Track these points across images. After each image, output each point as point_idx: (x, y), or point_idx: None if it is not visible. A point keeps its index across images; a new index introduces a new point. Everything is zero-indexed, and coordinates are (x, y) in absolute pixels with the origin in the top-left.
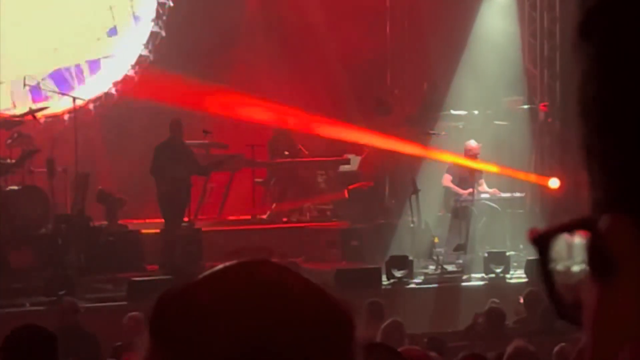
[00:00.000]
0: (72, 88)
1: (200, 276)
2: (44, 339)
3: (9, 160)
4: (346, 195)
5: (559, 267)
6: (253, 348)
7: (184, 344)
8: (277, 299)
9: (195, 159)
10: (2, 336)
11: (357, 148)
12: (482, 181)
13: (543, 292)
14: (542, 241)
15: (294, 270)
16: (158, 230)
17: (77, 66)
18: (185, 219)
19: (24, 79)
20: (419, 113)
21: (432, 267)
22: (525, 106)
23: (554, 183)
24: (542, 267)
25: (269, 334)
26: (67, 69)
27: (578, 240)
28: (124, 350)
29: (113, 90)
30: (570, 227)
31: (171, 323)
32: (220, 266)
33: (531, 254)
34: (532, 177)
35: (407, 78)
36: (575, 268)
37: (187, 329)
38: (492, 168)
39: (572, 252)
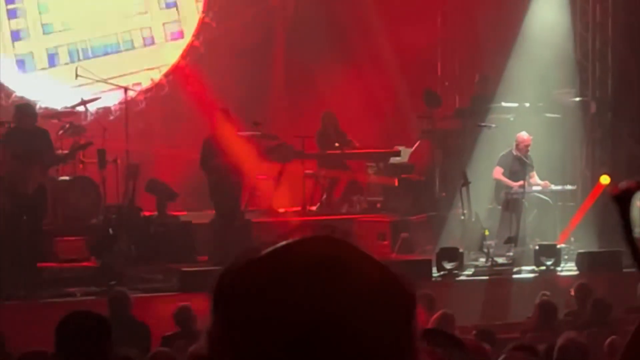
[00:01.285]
0: None
1: (263, 253)
2: (99, 325)
3: (60, 151)
4: (396, 183)
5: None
6: (315, 323)
7: (247, 319)
8: (339, 275)
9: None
10: (54, 324)
11: (407, 140)
12: (534, 173)
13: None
14: (623, 197)
15: (358, 247)
16: (209, 221)
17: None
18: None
19: (76, 69)
20: (470, 105)
21: (482, 259)
22: (577, 99)
23: (605, 180)
24: (623, 222)
25: (330, 310)
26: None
27: None
28: (175, 340)
29: (164, 81)
30: None
31: (234, 299)
32: (283, 242)
33: (582, 247)
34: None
35: (458, 70)
36: None
37: (249, 305)
38: None
39: None
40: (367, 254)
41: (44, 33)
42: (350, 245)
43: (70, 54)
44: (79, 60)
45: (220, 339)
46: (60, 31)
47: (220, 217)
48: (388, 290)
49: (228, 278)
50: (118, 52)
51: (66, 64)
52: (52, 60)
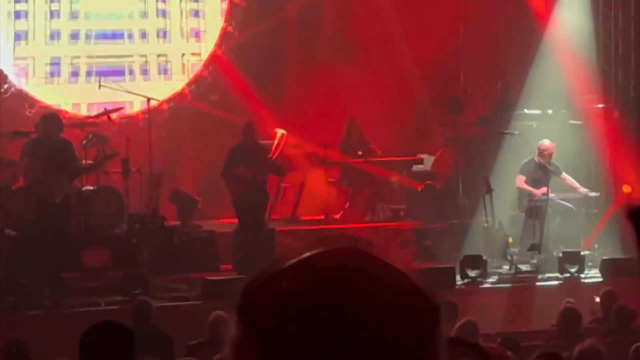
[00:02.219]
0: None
1: (288, 264)
2: (122, 335)
3: (84, 161)
4: (419, 189)
5: None
6: (338, 334)
7: (271, 329)
8: (363, 287)
9: (270, 158)
10: (78, 334)
11: (430, 147)
12: (564, 175)
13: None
14: (637, 215)
15: (381, 258)
16: (232, 230)
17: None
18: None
19: (99, 80)
20: (493, 112)
21: (506, 266)
22: (600, 105)
23: (627, 189)
24: (637, 239)
25: (354, 321)
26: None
27: None
28: (200, 348)
29: (187, 91)
30: None
31: (259, 309)
32: (307, 254)
33: (606, 254)
34: None
35: (481, 77)
36: None
37: (274, 315)
38: None
39: None
40: (391, 265)
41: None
42: (373, 257)
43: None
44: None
45: (244, 351)
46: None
47: (242, 227)
48: (412, 301)
49: (252, 290)
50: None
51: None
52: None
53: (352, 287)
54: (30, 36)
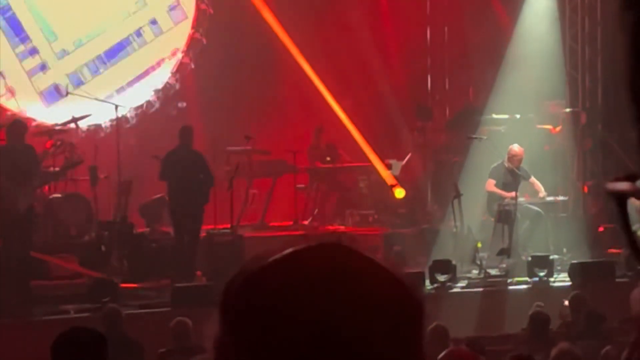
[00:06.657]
0: None
1: (271, 259)
2: (95, 340)
3: (51, 168)
4: (395, 195)
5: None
6: (322, 331)
7: (254, 326)
8: (348, 282)
9: (207, 166)
10: (47, 342)
11: (399, 153)
12: (533, 179)
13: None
14: (621, 196)
15: (365, 254)
16: (202, 237)
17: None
18: (227, 225)
19: (67, 87)
20: (461, 117)
21: (475, 271)
22: (567, 110)
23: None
24: (621, 218)
25: (338, 318)
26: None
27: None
28: (171, 355)
29: (154, 98)
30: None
31: (242, 305)
32: (290, 249)
33: (574, 258)
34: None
35: (448, 83)
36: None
37: (257, 312)
38: None
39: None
40: (375, 261)
41: (59, 59)
42: (357, 252)
43: (90, 68)
44: (100, 71)
45: (229, 349)
46: (73, 51)
47: (177, 234)
48: (398, 297)
49: (236, 287)
50: (130, 48)
51: (92, 78)
52: (76, 81)
53: (339, 283)
54: None
